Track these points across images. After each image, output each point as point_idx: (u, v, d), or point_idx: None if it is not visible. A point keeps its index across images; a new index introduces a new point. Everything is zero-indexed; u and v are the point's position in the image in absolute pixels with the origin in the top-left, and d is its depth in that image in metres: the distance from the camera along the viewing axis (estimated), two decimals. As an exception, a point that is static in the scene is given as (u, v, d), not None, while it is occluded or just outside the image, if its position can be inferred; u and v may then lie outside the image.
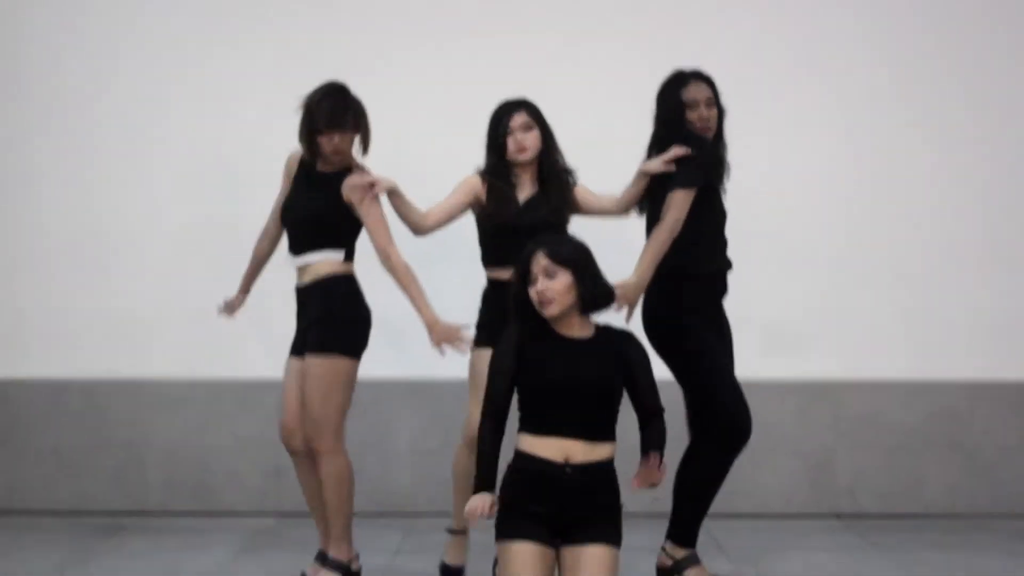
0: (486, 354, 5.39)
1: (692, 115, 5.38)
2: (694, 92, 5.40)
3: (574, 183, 5.66)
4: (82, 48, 7.21)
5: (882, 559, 6.02)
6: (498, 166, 5.55)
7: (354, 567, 5.39)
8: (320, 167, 5.45)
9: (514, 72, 6.88)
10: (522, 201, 5.54)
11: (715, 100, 5.44)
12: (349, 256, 5.44)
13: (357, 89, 5.45)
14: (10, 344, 7.21)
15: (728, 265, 5.46)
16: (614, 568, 4.34)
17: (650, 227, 5.45)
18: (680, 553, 5.35)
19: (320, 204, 5.37)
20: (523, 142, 5.52)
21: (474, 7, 7.17)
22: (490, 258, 5.57)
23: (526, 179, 5.58)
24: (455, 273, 6.30)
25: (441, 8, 7.18)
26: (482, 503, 4.36)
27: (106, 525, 6.79)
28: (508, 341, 4.49)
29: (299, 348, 5.45)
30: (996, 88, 7.18)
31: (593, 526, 4.37)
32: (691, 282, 5.34)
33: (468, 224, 5.70)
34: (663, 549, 5.38)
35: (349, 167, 5.40)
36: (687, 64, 5.53)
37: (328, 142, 5.32)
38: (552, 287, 4.42)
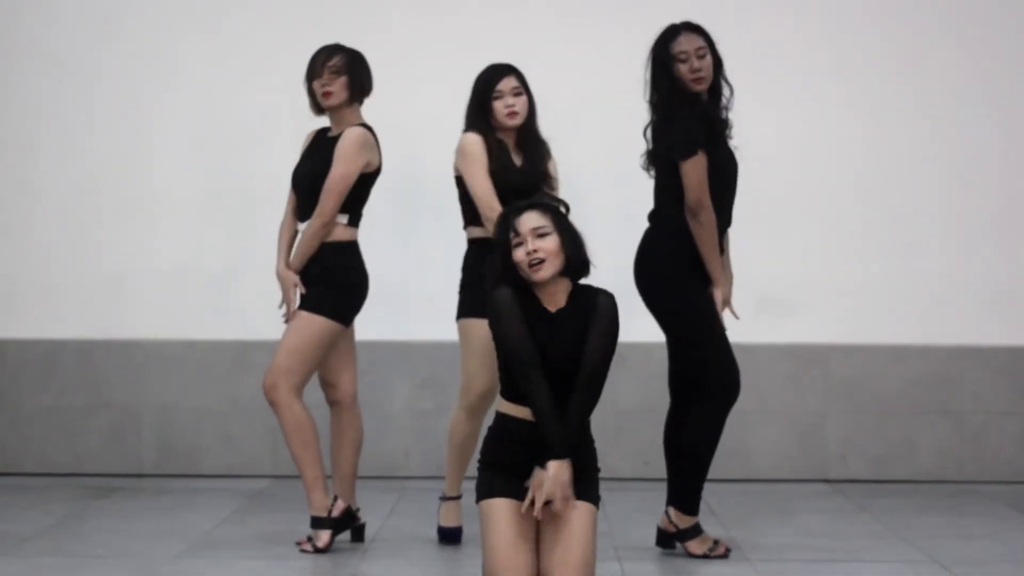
0: (475, 323, 5.40)
1: (683, 68, 5.27)
2: (684, 44, 5.28)
3: (549, 154, 5.60)
4: (84, 7, 7.20)
5: (872, 523, 6.06)
6: (486, 128, 5.48)
7: (334, 514, 5.40)
8: (332, 132, 5.49)
9: (506, 38, 6.88)
10: (519, 165, 5.51)
11: (709, 49, 5.31)
12: (353, 221, 5.46)
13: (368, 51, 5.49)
14: (4, 305, 7.22)
15: (725, 223, 5.41)
16: (592, 525, 4.21)
17: (657, 197, 5.40)
18: (685, 522, 5.34)
19: (320, 168, 5.41)
20: (514, 107, 5.46)
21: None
22: (476, 218, 5.50)
23: (510, 145, 5.54)
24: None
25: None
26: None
27: (100, 486, 6.83)
28: (505, 301, 4.23)
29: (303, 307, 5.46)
30: (988, 60, 7.19)
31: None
32: (684, 238, 5.29)
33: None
34: (667, 514, 5.38)
35: (360, 127, 5.43)
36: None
37: (320, 86, 5.43)
38: (544, 247, 4.19)
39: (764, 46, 7.09)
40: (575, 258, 4.23)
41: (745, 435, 7.01)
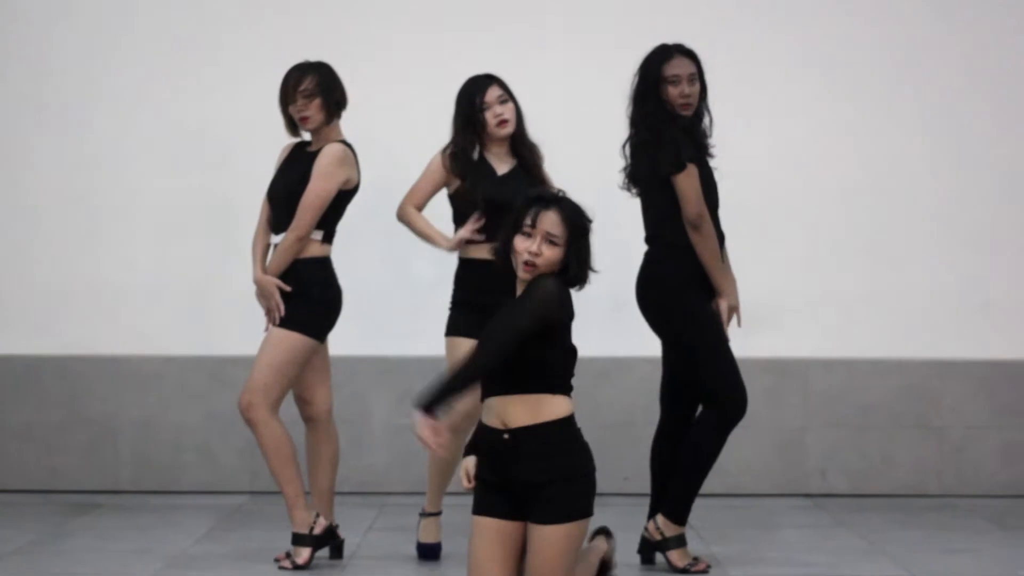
0: (460, 341, 5.39)
1: (673, 91, 5.30)
2: (677, 67, 5.32)
3: (542, 158, 5.62)
4: (58, 16, 7.17)
5: (851, 538, 6.06)
6: (473, 142, 5.49)
7: (316, 531, 5.38)
8: (311, 146, 5.48)
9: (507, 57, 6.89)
10: (501, 175, 5.51)
11: (698, 76, 5.36)
12: (327, 238, 5.45)
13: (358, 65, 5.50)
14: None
15: (720, 236, 5.41)
16: (557, 543, 4.09)
17: (649, 219, 5.41)
18: (672, 530, 5.35)
19: (293, 184, 5.39)
20: (502, 115, 5.45)
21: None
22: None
23: (501, 153, 5.54)
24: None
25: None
26: None
27: (77, 503, 6.79)
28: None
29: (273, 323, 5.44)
30: (976, 73, 7.21)
31: (545, 499, 4.11)
32: (681, 253, 5.30)
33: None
34: (653, 521, 5.37)
35: (340, 143, 5.42)
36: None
37: (295, 112, 5.39)
38: (546, 255, 4.15)
39: (750, 54, 7.10)
40: (573, 273, 4.18)
41: (726, 450, 6.96)
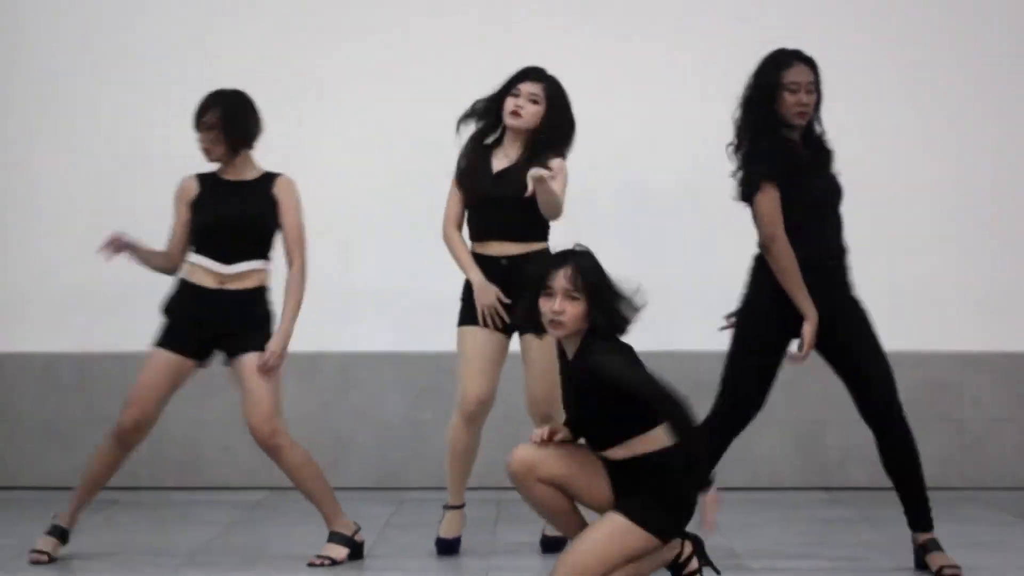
0: (471, 330, 5.39)
1: (791, 99, 5.15)
2: (797, 74, 5.16)
3: (561, 155, 5.41)
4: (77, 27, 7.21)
5: (873, 532, 6.04)
6: (490, 122, 5.43)
7: (357, 539, 5.39)
8: (228, 175, 5.45)
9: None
10: (497, 170, 5.42)
11: (816, 85, 5.22)
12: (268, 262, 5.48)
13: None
14: (2, 318, 7.20)
15: (819, 251, 5.21)
16: (611, 534, 4.29)
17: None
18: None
19: (254, 213, 5.38)
20: (520, 108, 5.34)
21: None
22: (470, 232, 5.51)
23: (513, 146, 5.43)
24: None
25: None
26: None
27: (98, 499, 6.74)
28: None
29: (189, 349, 5.42)
30: (983, 65, 7.18)
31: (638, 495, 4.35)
32: (766, 269, 5.18)
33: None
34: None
35: (268, 174, 5.42)
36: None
37: (199, 142, 5.40)
38: (569, 311, 4.34)
39: (757, 48, 7.07)
40: (601, 323, 4.35)
41: (744, 443, 6.94)
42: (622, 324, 4.39)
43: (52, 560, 5.34)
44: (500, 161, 5.45)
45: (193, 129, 5.41)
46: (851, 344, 5.27)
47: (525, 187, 5.15)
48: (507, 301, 5.31)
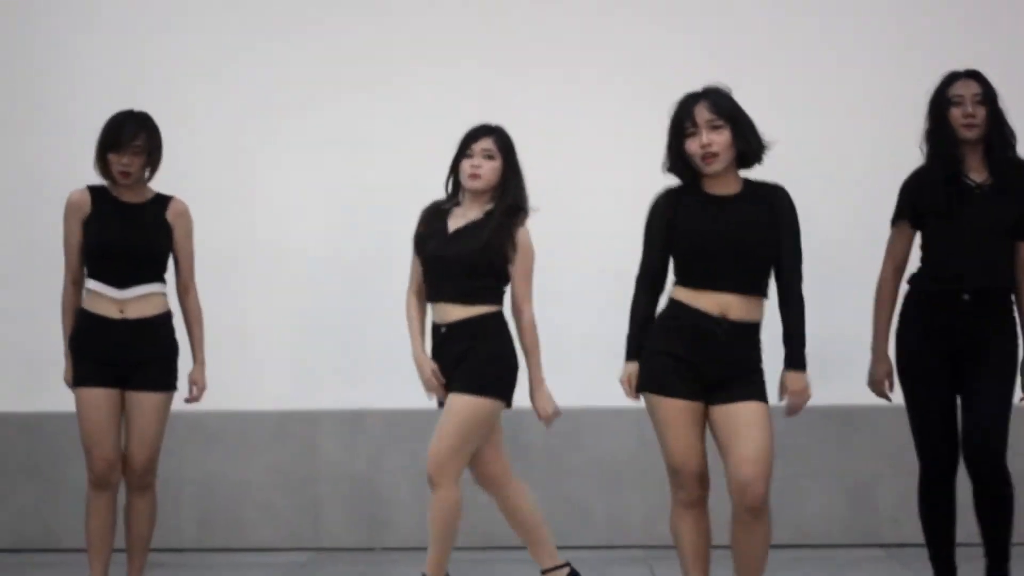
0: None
1: (956, 112, 5.22)
2: (960, 88, 5.24)
3: (520, 223, 5.26)
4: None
5: (929, 590, 5.92)
6: (456, 185, 5.34)
7: None
8: (124, 196, 5.42)
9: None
10: (454, 229, 5.27)
11: (984, 98, 5.24)
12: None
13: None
14: (41, 377, 7.16)
15: (951, 283, 5.26)
16: (768, 423, 4.40)
17: None
18: None
19: (151, 236, 5.40)
20: (477, 169, 5.23)
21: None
22: (426, 295, 5.37)
23: (475, 205, 5.29)
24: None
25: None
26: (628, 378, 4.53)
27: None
28: (657, 208, 4.50)
29: (110, 380, 5.45)
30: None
31: (742, 385, 4.42)
32: (908, 298, 5.43)
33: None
34: None
35: (160, 197, 5.45)
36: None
37: (116, 159, 5.32)
38: (718, 140, 4.37)
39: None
40: (747, 151, 4.42)
41: (795, 499, 6.88)
42: (761, 150, 4.46)
43: None
44: (456, 221, 5.31)
45: (112, 150, 5.32)
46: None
47: (479, 243, 5.15)
48: (443, 380, 5.25)
